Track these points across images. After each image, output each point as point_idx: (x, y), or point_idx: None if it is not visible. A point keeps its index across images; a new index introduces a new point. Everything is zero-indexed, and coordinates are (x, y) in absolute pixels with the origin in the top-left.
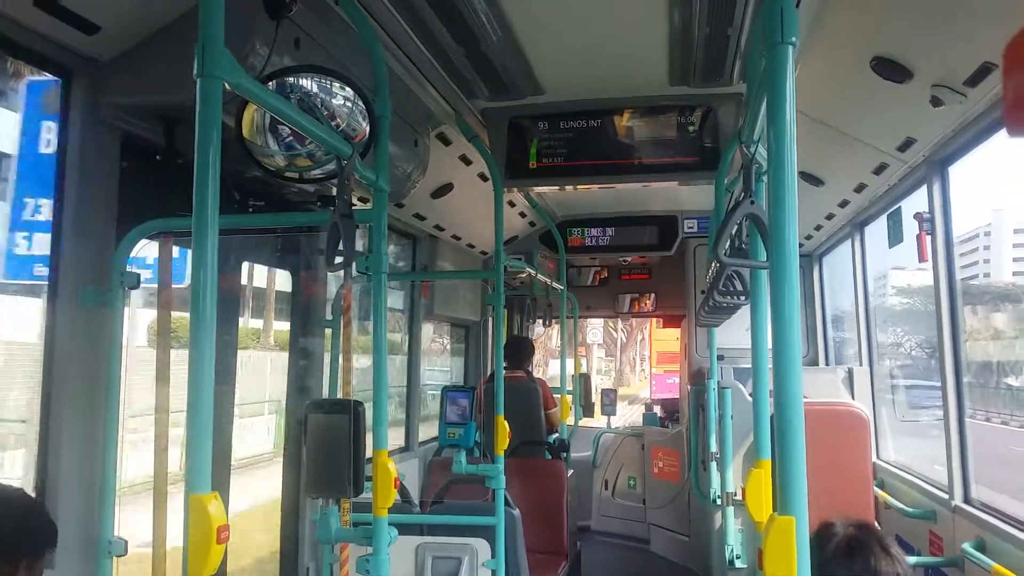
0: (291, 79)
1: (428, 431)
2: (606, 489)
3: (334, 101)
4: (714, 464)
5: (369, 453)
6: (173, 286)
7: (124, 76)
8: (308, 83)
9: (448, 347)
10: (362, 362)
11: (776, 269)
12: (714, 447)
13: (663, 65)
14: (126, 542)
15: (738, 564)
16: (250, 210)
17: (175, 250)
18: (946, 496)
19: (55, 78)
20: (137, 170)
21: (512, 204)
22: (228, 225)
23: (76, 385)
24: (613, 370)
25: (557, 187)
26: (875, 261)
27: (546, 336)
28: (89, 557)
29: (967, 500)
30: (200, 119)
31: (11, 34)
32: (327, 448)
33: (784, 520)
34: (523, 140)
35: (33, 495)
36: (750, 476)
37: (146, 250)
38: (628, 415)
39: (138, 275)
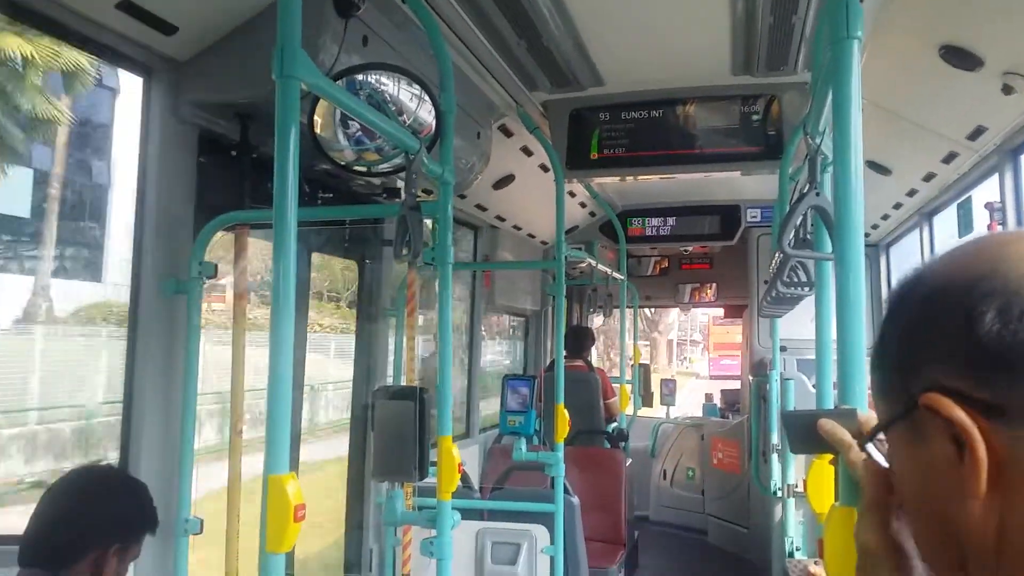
0: (360, 76)
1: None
2: (664, 479)
3: (401, 97)
4: (775, 456)
5: (432, 439)
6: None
7: (201, 75)
8: (376, 80)
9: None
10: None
11: (841, 261)
12: (775, 439)
13: (725, 55)
14: (202, 521)
15: (798, 556)
16: (320, 203)
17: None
18: None
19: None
20: (213, 164)
21: (572, 194)
22: (301, 217)
23: (156, 371)
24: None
25: (618, 178)
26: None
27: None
28: (167, 536)
29: None
30: (279, 119)
31: (95, 35)
32: (393, 433)
33: (845, 511)
34: (584, 131)
35: None
36: (812, 467)
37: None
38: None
39: (215, 265)
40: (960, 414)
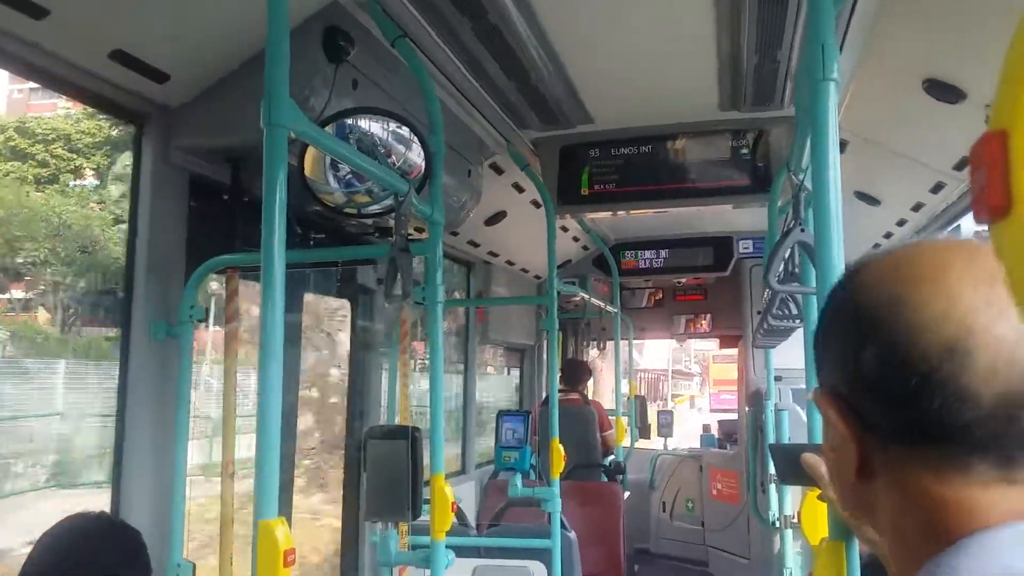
0: (350, 120)
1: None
2: (664, 511)
3: (391, 139)
4: (772, 486)
5: (426, 477)
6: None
7: (192, 121)
8: (366, 123)
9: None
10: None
11: (824, 296)
12: (772, 469)
13: (713, 91)
14: (194, 565)
15: None
16: (311, 244)
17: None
18: None
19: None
20: (205, 208)
21: (565, 229)
22: (291, 260)
23: (148, 414)
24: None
25: (610, 213)
26: None
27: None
28: None
29: None
30: (267, 166)
31: (88, 85)
32: (386, 473)
33: (835, 545)
34: (575, 167)
35: None
36: (805, 499)
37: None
38: None
39: (206, 309)
40: (841, 428)
